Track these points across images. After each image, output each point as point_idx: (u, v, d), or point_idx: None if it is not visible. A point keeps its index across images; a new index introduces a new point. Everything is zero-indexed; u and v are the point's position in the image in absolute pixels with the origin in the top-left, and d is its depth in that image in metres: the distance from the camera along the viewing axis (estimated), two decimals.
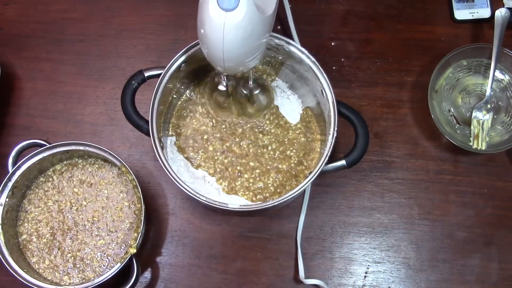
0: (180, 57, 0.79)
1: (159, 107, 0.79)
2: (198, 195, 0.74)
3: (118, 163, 0.83)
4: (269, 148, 0.85)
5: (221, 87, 0.80)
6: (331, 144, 0.76)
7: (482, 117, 0.90)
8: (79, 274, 0.83)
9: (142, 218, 0.81)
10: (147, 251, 0.88)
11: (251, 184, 0.84)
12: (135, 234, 0.81)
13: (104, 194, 0.86)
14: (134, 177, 0.82)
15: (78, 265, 0.83)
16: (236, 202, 0.84)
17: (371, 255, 0.88)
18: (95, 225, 0.84)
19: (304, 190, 0.88)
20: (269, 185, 0.84)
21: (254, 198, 0.84)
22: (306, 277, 0.85)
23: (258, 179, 0.84)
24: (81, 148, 0.83)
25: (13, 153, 0.84)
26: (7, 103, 0.95)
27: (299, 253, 0.86)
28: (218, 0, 0.62)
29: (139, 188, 0.82)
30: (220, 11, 0.62)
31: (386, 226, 0.89)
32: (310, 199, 0.89)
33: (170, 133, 0.86)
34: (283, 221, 0.89)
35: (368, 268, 0.87)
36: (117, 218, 0.85)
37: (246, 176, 0.85)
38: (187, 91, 0.88)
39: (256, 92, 0.82)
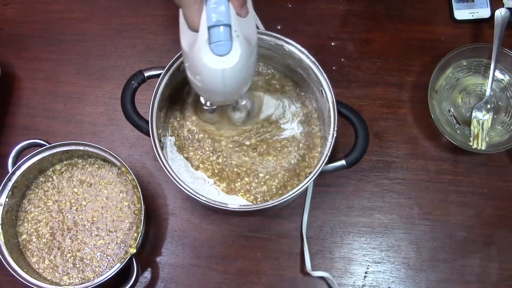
0: (180, 57, 0.79)
1: (159, 107, 0.79)
2: (198, 195, 0.74)
3: (118, 163, 0.83)
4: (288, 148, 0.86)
5: (206, 107, 0.80)
6: (331, 144, 0.75)
7: (482, 117, 0.90)
8: (79, 274, 0.83)
9: (142, 218, 0.81)
10: (147, 251, 0.88)
11: (253, 188, 0.84)
12: (135, 234, 0.81)
13: (104, 194, 0.86)
14: (134, 177, 0.82)
15: (77, 265, 0.83)
16: (236, 202, 0.84)
17: (371, 255, 0.88)
18: (95, 225, 0.84)
19: (306, 189, 0.87)
20: (273, 187, 0.84)
21: (254, 201, 0.84)
22: (313, 269, 0.85)
23: (262, 183, 0.84)
24: (81, 148, 0.83)
25: (13, 153, 0.84)
26: (7, 103, 0.95)
27: (305, 245, 0.86)
28: (212, 48, 0.61)
29: (139, 188, 0.82)
30: (216, 57, 0.61)
31: (386, 226, 0.89)
32: (310, 199, 0.89)
33: (170, 133, 0.86)
34: (283, 221, 0.89)
35: (368, 268, 0.87)
36: (116, 218, 0.85)
37: (246, 179, 0.85)
38: (187, 91, 0.88)
39: (243, 102, 0.82)
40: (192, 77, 0.67)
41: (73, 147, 0.83)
